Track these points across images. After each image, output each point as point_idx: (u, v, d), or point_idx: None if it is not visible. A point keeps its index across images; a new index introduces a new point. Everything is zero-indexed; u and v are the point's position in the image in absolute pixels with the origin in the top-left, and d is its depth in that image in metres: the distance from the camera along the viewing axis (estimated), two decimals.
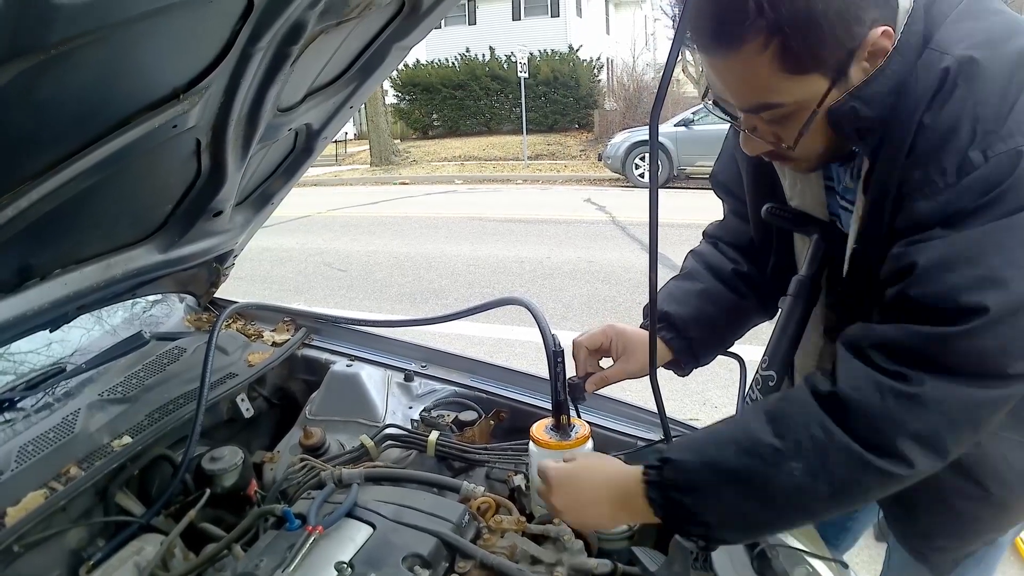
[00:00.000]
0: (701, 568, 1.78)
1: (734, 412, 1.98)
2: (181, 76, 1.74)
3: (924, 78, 1.53)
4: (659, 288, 2.27)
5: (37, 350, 2.75)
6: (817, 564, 2.03)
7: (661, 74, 1.65)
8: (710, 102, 1.84)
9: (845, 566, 2.11)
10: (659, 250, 1.76)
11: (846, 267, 1.84)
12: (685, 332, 2.23)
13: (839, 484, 1.55)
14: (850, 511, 1.76)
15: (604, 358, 2.29)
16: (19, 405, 2.44)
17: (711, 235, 2.45)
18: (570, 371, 2.22)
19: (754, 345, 1.96)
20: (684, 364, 2.28)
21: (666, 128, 20.18)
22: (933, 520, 2.06)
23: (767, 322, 2.32)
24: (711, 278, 2.30)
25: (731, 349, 2.32)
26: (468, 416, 2.65)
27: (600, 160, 24.28)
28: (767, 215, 2.04)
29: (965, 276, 1.44)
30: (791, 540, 2.08)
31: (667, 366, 2.31)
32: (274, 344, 3.18)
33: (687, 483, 1.65)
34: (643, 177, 21.08)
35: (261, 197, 2.89)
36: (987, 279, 1.42)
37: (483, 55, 36.96)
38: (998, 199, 1.42)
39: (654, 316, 1.91)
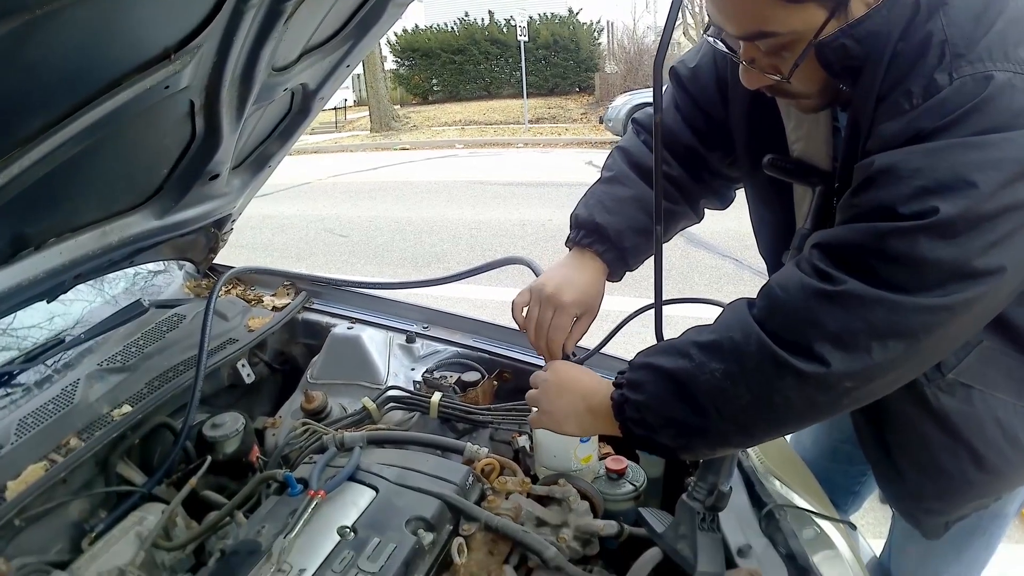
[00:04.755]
0: (708, 528, 1.77)
1: None
2: (172, 35, 1.71)
3: (900, 8, 1.52)
4: (585, 193, 2.27)
5: (39, 324, 2.74)
6: (825, 525, 2.02)
7: (661, 35, 1.63)
8: (709, 36, 1.81)
9: (853, 527, 2.10)
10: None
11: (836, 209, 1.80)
12: (619, 243, 2.17)
13: (756, 387, 1.54)
14: (784, 431, 1.72)
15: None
16: (18, 378, 2.44)
17: (641, 125, 2.35)
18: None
19: None
20: (615, 272, 2.23)
21: None
22: (922, 480, 2.03)
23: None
24: (640, 182, 2.23)
25: (720, 303, 2.27)
26: (471, 377, 2.64)
27: (601, 123, 24.21)
28: (768, 166, 1.99)
29: (913, 184, 1.42)
30: (799, 501, 2.07)
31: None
32: (274, 308, 3.17)
33: (634, 382, 1.72)
34: None
35: (258, 160, 2.86)
36: (938, 188, 1.39)
37: (482, 19, 36.84)
38: (960, 120, 1.40)
39: (659, 287, 1.88)
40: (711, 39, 1.80)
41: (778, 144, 1.99)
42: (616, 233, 2.15)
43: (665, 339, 1.86)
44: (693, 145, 2.24)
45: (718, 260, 9.86)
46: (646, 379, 1.69)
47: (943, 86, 1.43)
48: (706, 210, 2.41)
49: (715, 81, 2.16)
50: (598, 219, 2.16)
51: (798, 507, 2.05)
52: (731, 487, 1.78)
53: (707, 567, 1.69)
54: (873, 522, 4.12)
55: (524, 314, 2.18)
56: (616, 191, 2.22)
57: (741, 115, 2.09)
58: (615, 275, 2.23)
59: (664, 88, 2.21)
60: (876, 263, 1.45)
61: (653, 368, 1.69)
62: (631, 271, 2.26)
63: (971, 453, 1.93)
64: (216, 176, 2.54)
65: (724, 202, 2.43)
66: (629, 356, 2.56)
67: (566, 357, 2.15)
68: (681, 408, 1.63)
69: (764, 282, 1.75)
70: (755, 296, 1.62)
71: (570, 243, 2.22)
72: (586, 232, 2.18)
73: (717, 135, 2.21)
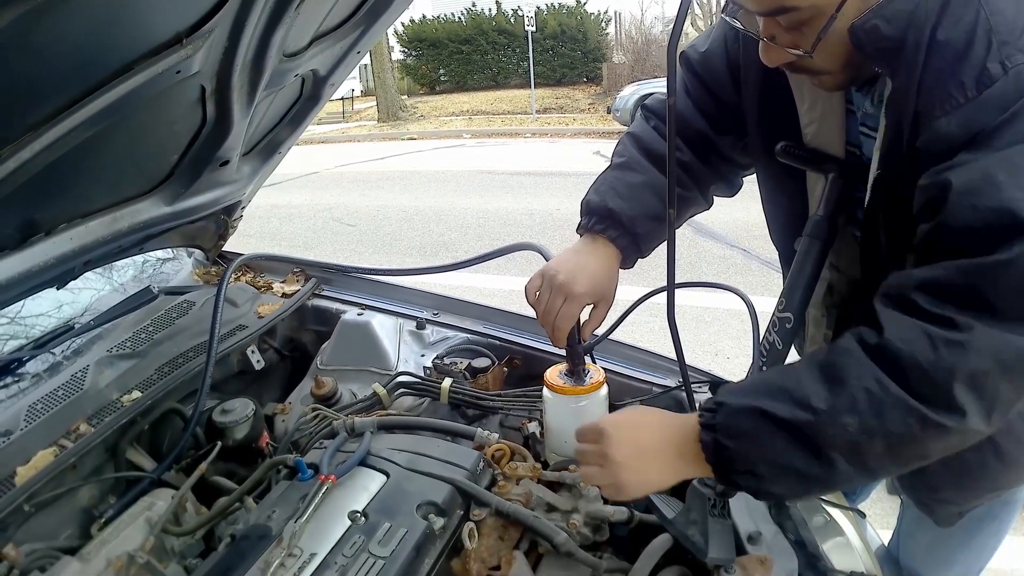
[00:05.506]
0: (719, 515, 1.76)
1: (750, 359, 1.93)
2: (184, 20, 1.71)
3: None
4: (596, 179, 2.25)
5: (47, 312, 2.75)
6: (835, 513, 2.02)
7: (671, 25, 1.62)
8: (728, 16, 1.79)
9: (862, 515, 2.09)
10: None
11: (867, 196, 1.78)
12: (632, 228, 2.14)
13: (895, 440, 1.47)
14: (908, 470, 1.67)
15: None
16: (27, 364, 2.44)
17: (651, 111, 2.33)
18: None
19: (765, 296, 1.91)
20: (627, 259, 2.19)
21: None
22: (941, 471, 2.01)
23: (778, 271, 2.29)
24: (651, 167, 2.20)
25: (742, 294, 2.25)
26: (481, 363, 2.64)
27: (609, 113, 24.20)
28: (780, 153, 1.99)
29: (1001, 198, 1.36)
30: None
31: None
32: (284, 295, 3.17)
33: (738, 429, 1.57)
34: None
35: (268, 146, 2.86)
36: None
37: (489, 9, 36.80)
38: (1021, 112, 1.38)
39: (672, 271, 1.86)
40: (728, 18, 1.79)
41: (791, 129, 1.98)
42: (629, 219, 2.13)
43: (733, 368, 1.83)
44: (704, 130, 2.24)
45: (726, 250, 9.85)
46: (756, 428, 1.55)
47: (997, 76, 1.41)
48: (715, 198, 2.41)
49: (726, 65, 2.15)
50: (611, 204, 2.14)
51: None
52: None
53: (717, 553, 1.69)
54: (880, 513, 4.12)
55: (535, 297, 2.14)
56: (628, 177, 2.20)
57: (754, 100, 2.08)
58: (627, 261, 2.20)
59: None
60: (994, 300, 1.40)
61: (765, 415, 1.54)
62: (643, 258, 2.23)
63: (994, 447, 1.93)
64: (226, 162, 2.54)
65: (732, 189, 2.42)
66: (637, 343, 2.57)
67: (577, 344, 2.15)
68: (803, 459, 1.52)
69: (773, 273, 1.74)
70: (861, 336, 1.54)
71: (582, 230, 2.20)
72: (599, 218, 2.15)
73: (728, 120, 2.20)
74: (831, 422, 1.47)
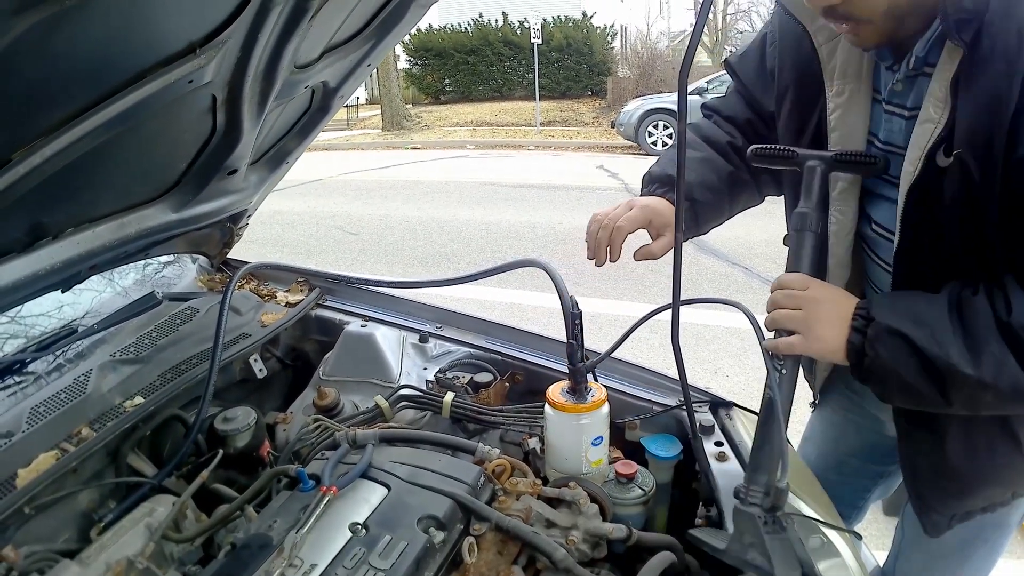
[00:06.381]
0: (773, 530, 1.76)
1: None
2: (198, 30, 1.71)
3: None
4: (656, 162, 2.39)
5: (48, 313, 2.74)
6: (831, 534, 2.02)
7: (677, 40, 1.65)
8: None
9: (859, 537, 2.10)
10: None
11: (910, 179, 1.76)
12: (690, 195, 2.26)
13: (1004, 400, 1.67)
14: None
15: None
16: (30, 367, 2.43)
17: (710, 108, 2.52)
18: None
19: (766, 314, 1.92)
20: (685, 229, 2.19)
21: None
22: (969, 475, 2.09)
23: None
24: (708, 148, 2.38)
25: (746, 309, 2.25)
26: (483, 378, 2.65)
27: (613, 127, 24.30)
28: (751, 156, 2.13)
29: None
30: (806, 510, 2.07)
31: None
32: (288, 304, 3.17)
33: (882, 344, 1.74)
34: (656, 145, 20.97)
35: (276, 156, 2.87)
36: None
37: (496, 21, 36.84)
38: None
39: (677, 291, 1.87)
40: None
41: (817, 125, 2.06)
42: (688, 185, 2.24)
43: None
44: (753, 119, 2.39)
45: (728, 268, 9.85)
46: (897, 349, 1.72)
47: None
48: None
49: (760, 66, 2.30)
50: (670, 172, 2.28)
51: (805, 516, 2.05)
52: (788, 483, 1.78)
53: (785, 571, 1.69)
54: (876, 534, 4.14)
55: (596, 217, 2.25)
56: (688, 152, 2.34)
57: (783, 96, 2.17)
58: (686, 230, 2.27)
59: (729, 86, 2.45)
60: None
61: (907, 340, 1.70)
62: (700, 234, 2.41)
63: (1012, 443, 2.01)
64: (234, 171, 2.54)
65: (780, 187, 2.47)
66: (637, 359, 2.58)
67: (580, 362, 2.15)
68: (927, 386, 1.71)
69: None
70: (995, 307, 1.65)
71: (644, 197, 2.31)
72: (659, 183, 2.30)
73: (768, 117, 2.32)
74: (957, 368, 1.64)
